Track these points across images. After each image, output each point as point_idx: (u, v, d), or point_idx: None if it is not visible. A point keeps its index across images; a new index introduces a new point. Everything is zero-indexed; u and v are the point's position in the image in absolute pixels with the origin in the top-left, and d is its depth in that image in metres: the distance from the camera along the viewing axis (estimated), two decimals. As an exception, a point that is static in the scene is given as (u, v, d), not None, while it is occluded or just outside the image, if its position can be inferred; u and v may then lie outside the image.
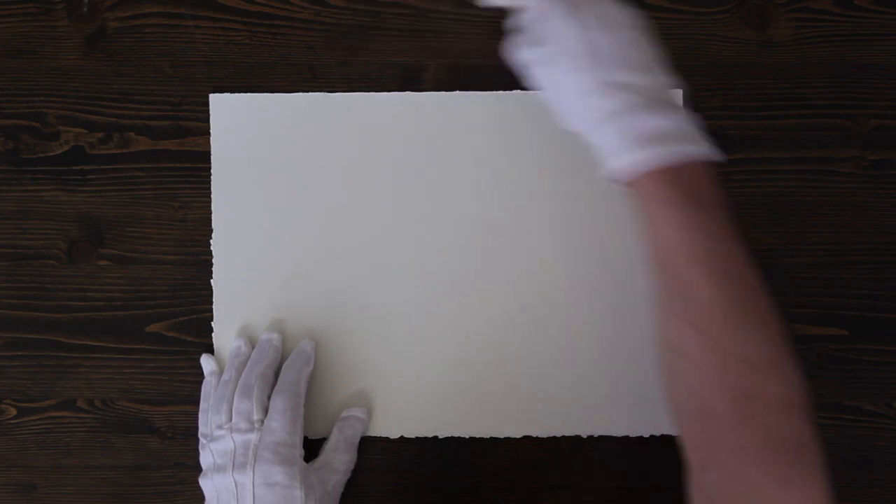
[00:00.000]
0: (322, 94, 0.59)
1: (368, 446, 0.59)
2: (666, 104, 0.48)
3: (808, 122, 0.59)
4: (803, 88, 0.59)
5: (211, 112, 0.59)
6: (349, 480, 0.57)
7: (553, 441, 0.59)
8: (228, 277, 0.58)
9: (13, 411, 0.59)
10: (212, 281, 0.59)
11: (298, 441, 0.53)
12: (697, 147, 0.47)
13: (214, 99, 0.59)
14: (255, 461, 0.51)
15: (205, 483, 0.53)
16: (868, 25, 0.59)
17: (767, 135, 0.59)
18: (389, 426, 0.58)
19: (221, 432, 0.53)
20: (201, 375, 0.59)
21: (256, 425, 0.53)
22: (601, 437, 0.58)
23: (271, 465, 0.51)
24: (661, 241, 0.47)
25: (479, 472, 0.59)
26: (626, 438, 0.58)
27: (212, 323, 0.58)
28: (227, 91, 0.59)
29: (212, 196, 0.59)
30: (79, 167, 0.59)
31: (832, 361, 0.59)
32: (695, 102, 0.59)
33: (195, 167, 0.59)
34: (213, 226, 0.59)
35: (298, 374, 0.55)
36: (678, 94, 0.58)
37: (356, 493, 0.59)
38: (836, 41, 0.59)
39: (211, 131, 0.59)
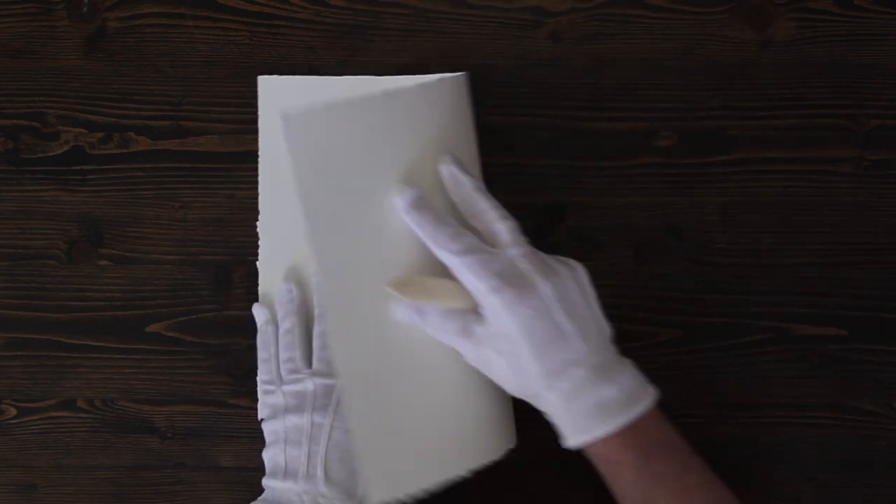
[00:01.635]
0: (370, 77, 0.58)
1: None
2: (609, 369, 0.48)
3: (808, 122, 0.59)
4: (803, 88, 0.59)
5: (259, 94, 0.59)
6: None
7: (553, 441, 0.59)
8: (273, 222, 0.58)
9: (13, 411, 0.60)
10: (257, 224, 0.59)
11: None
12: (642, 403, 0.48)
13: (262, 81, 0.59)
14: (336, 405, 0.53)
15: (270, 425, 0.55)
16: (868, 25, 0.59)
17: (767, 135, 0.59)
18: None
19: (299, 376, 0.55)
20: (201, 375, 0.59)
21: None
22: (601, 437, 0.58)
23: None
24: (622, 493, 0.49)
25: (479, 472, 0.59)
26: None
27: (257, 263, 0.59)
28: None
29: (259, 176, 0.59)
30: (79, 167, 0.59)
31: (832, 361, 0.59)
32: (695, 102, 0.59)
33: (195, 167, 0.59)
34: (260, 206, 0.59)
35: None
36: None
37: (356, 493, 0.59)
38: (836, 41, 0.59)
39: (259, 113, 0.59)
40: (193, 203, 0.59)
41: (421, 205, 0.49)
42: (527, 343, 0.47)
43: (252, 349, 0.59)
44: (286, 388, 0.55)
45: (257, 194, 0.59)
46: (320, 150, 0.49)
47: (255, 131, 0.59)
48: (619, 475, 0.49)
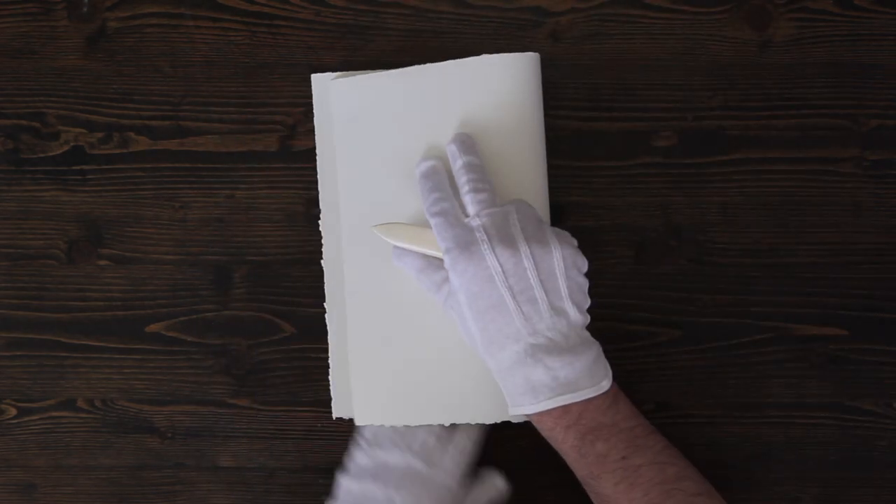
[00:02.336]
0: (426, 65, 0.57)
1: (368, 446, 0.59)
2: (547, 352, 0.49)
3: (808, 122, 0.59)
4: (803, 88, 0.59)
5: (313, 92, 0.58)
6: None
7: (553, 441, 0.59)
8: (335, 220, 0.58)
9: (13, 411, 0.60)
10: (319, 223, 0.58)
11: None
12: (580, 392, 0.49)
13: (315, 78, 0.58)
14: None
15: None
16: (868, 25, 0.59)
17: (767, 135, 0.59)
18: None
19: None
20: (201, 375, 0.59)
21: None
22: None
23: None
24: (572, 468, 0.52)
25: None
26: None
27: (322, 262, 0.58)
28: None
29: (318, 172, 0.58)
30: (79, 167, 0.59)
31: (832, 361, 0.59)
32: (695, 102, 0.59)
33: (195, 167, 0.59)
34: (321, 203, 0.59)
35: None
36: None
37: (356, 493, 0.59)
38: (836, 41, 0.59)
39: (314, 110, 0.58)
40: (193, 203, 0.59)
41: (428, 173, 0.54)
42: (467, 306, 0.50)
43: (252, 349, 0.59)
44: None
45: (257, 194, 0.59)
46: (359, 113, 0.57)
47: (256, 131, 0.59)
48: (563, 452, 0.51)
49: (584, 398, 0.49)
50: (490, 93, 0.56)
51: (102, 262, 0.59)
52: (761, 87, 0.59)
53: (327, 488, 0.59)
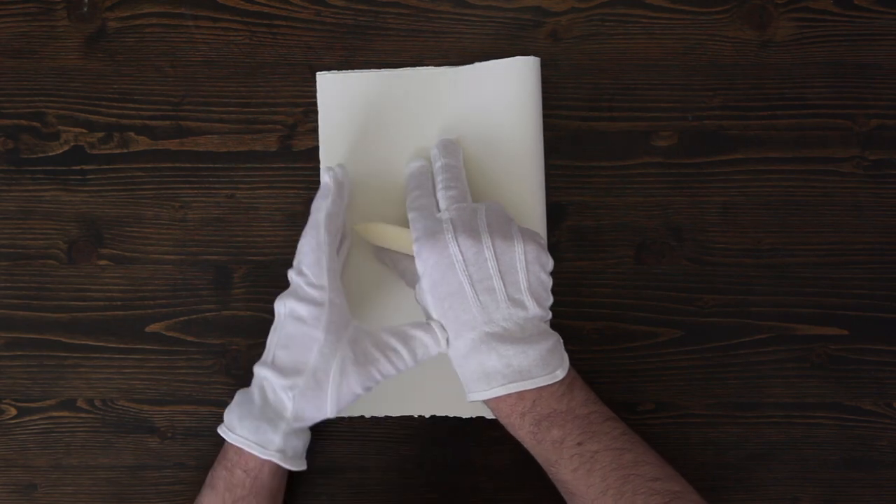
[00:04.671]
0: (430, 67, 0.58)
1: (368, 446, 0.59)
2: (501, 341, 0.50)
3: (808, 122, 0.59)
4: (803, 88, 0.59)
5: (318, 90, 0.59)
6: (349, 482, 0.57)
7: (553, 441, 0.59)
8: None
9: (13, 411, 0.60)
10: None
11: (325, 282, 0.52)
12: (534, 379, 0.50)
13: (321, 77, 0.59)
14: (288, 294, 0.53)
15: None
16: (868, 25, 0.59)
17: (767, 135, 0.59)
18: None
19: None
20: (201, 375, 0.59)
21: (299, 261, 0.54)
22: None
23: (297, 300, 0.52)
24: (530, 451, 0.52)
25: (480, 472, 0.59)
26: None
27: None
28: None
29: (321, 171, 0.58)
30: (79, 167, 0.59)
31: (832, 361, 0.59)
32: (695, 102, 0.59)
33: (195, 167, 0.59)
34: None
35: (318, 209, 0.54)
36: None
37: (357, 493, 0.59)
38: (836, 41, 0.59)
39: (319, 109, 0.59)
40: (193, 203, 0.59)
41: (415, 173, 0.56)
42: (429, 293, 0.51)
43: (252, 349, 0.59)
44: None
45: (257, 194, 0.59)
46: (347, 110, 0.58)
47: (256, 131, 0.59)
48: (520, 439, 0.52)
49: (535, 386, 0.50)
50: (491, 96, 0.57)
51: (102, 262, 0.59)
52: (761, 87, 0.59)
53: (327, 488, 0.59)
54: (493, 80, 0.57)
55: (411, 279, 0.54)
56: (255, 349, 0.59)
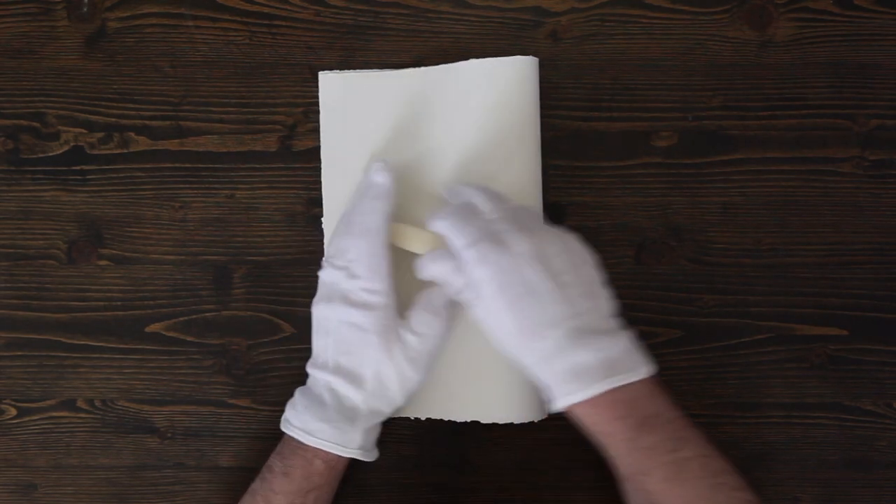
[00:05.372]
0: (433, 67, 0.58)
1: (368, 446, 0.59)
2: (591, 334, 0.48)
3: (808, 122, 0.59)
4: (803, 88, 0.59)
5: (320, 90, 0.59)
6: (349, 482, 0.56)
7: (553, 441, 0.59)
8: (337, 219, 0.58)
9: (13, 411, 0.60)
10: (322, 221, 0.59)
11: (382, 287, 0.53)
12: (629, 374, 0.48)
13: (323, 77, 0.59)
14: (339, 299, 0.53)
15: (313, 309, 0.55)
16: (868, 25, 0.59)
17: (767, 135, 0.59)
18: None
19: (325, 264, 0.54)
20: (201, 375, 0.59)
21: (351, 264, 0.53)
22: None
23: (350, 306, 0.52)
24: (614, 462, 0.49)
25: (480, 472, 0.59)
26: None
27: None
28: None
29: (322, 171, 0.59)
30: (79, 167, 0.59)
31: (832, 361, 0.59)
32: (695, 102, 0.59)
33: (195, 167, 0.59)
34: (324, 201, 0.59)
35: (374, 211, 0.53)
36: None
37: (357, 493, 0.59)
38: (836, 41, 0.59)
39: (320, 109, 0.59)
40: (193, 203, 0.59)
41: (450, 193, 0.55)
42: (499, 297, 0.48)
43: (252, 349, 0.59)
44: (319, 273, 0.55)
45: (257, 194, 0.59)
46: (349, 109, 0.58)
47: (256, 131, 0.59)
48: (611, 447, 0.48)
49: (634, 379, 0.47)
50: (490, 96, 0.57)
51: (102, 262, 0.59)
52: (761, 87, 0.59)
53: (327, 488, 0.59)
54: (492, 80, 0.57)
55: (460, 286, 0.51)
56: (255, 349, 0.59)
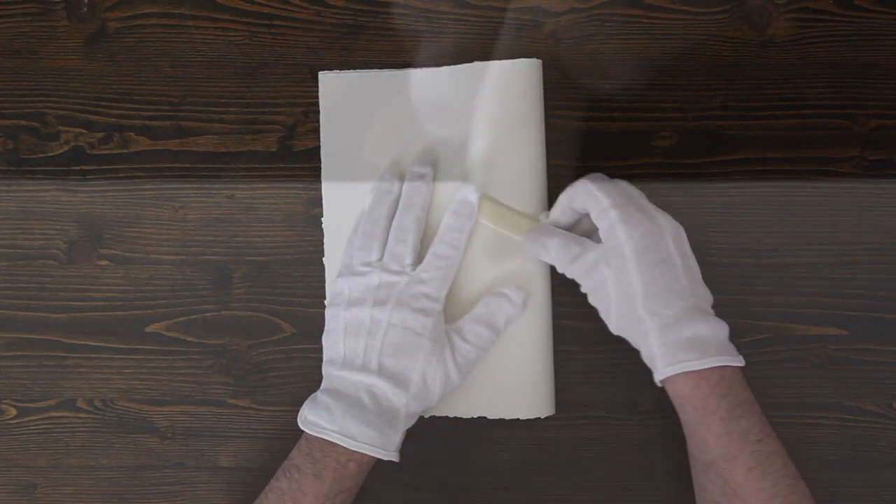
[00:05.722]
0: (434, 68, 0.58)
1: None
2: (707, 313, 0.51)
3: (808, 122, 0.59)
4: (803, 88, 0.59)
5: (320, 90, 0.59)
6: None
7: (554, 441, 0.59)
8: (338, 218, 0.58)
9: (13, 411, 0.60)
10: (322, 221, 0.58)
11: (443, 296, 0.54)
12: (731, 356, 0.50)
13: (324, 77, 0.59)
14: (396, 303, 0.53)
15: (331, 311, 0.56)
16: (868, 25, 0.59)
17: (767, 135, 0.59)
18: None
19: (367, 269, 0.55)
20: (201, 375, 0.59)
21: (407, 269, 0.54)
22: (602, 437, 0.58)
23: (410, 311, 0.53)
24: (702, 445, 0.50)
25: (480, 472, 0.59)
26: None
27: (324, 260, 0.59)
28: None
29: (322, 171, 0.59)
30: (79, 167, 0.59)
31: (832, 361, 0.59)
32: (695, 102, 0.59)
33: (195, 167, 0.59)
34: (324, 203, 0.59)
35: (461, 230, 0.55)
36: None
37: (357, 493, 0.59)
38: (836, 41, 0.59)
39: (320, 109, 0.59)
40: (193, 203, 0.59)
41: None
42: (637, 259, 0.50)
43: (252, 349, 0.59)
44: (352, 279, 0.55)
45: (257, 194, 0.59)
46: (349, 109, 0.58)
47: (255, 131, 0.59)
48: (707, 425, 0.49)
49: (739, 364, 0.50)
50: (493, 97, 0.56)
51: (102, 263, 0.59)
52: (761, 88, 0.59)
53: (327, 488, 0.59)
54: (496, 82, 0.57)
55: (570, 257, 0.53)
56: (255, 349, 0.59)
